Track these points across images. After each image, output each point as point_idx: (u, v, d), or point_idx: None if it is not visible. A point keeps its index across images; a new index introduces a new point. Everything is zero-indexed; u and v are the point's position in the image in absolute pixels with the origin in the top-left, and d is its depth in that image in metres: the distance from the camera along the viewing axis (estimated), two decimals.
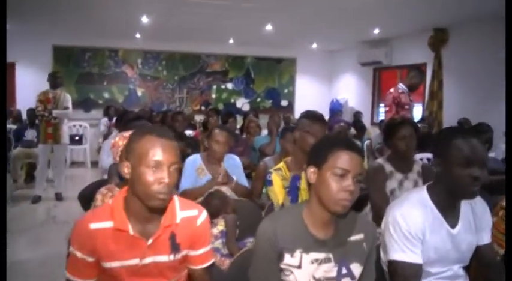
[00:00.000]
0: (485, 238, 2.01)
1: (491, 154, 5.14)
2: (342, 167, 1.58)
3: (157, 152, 1.53)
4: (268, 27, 8.20)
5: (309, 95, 11.60)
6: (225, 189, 3.37)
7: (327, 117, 10.25)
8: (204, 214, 1.77)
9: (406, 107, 5.08)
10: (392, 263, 1.86)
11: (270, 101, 11.60)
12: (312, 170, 1.67)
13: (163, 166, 1.53)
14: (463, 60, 7.40)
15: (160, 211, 1.64)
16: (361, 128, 7.93)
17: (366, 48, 9.86)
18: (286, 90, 11.71)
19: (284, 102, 11.72)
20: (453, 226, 1.92)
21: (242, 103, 11.36)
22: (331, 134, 2.23)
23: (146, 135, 1.56)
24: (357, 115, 9.33)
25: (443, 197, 1.90)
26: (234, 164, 3.65)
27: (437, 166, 1.91)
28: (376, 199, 2.95)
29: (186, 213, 1.72)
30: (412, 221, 1.85)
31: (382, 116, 9.87)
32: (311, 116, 2.87)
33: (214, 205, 2.93)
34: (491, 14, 6.52)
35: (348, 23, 7.86)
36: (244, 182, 3.65)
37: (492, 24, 6.71)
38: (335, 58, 11.73)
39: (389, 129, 3.10)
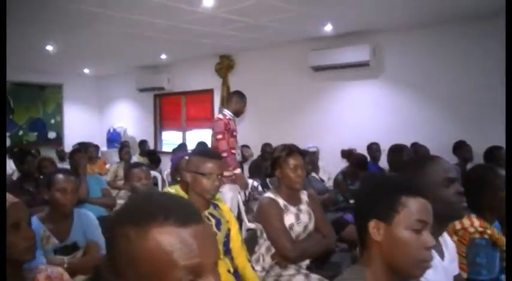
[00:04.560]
0: (456, 269, 1.94)
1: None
2: (421, 220, 1.26)
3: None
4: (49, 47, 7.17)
5: (79, 125, 10.55)
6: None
7: (104, 148, 9.49)
8: None
9: (234, 133, 4.93)
10: None
11: (35, 134, 10.11)
12: (375, 225, 1.30)
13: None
14: (249, 85, 7.71)
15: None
16: (157, 159, 7.52)
17: (144, 74, 9.48)
18: (53, 121, 10.40)
19: (52, 134, 10.37)
20: (442, 257, 1.81)
21: None
22: (392, 176, 1.84)
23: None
24: (143, 144, 8.79)
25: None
26: (88, 221, 2.80)
27: None
28: (279, 237, 2.65)
29: None
30: None
31: (166, 144, 9.63)
32: (204, 153, 2.47)
33: None
34: (271, 42, 7.02)
35: (131, 48, 7.43)
36: (104, 244, 2.81)
37: (272, 51, 7.27)
38: (108, 84, 10.96)
39: (276, 159, 2.84)
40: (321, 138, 6.60)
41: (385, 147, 5.87)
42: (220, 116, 4.90)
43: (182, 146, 8.17)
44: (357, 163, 5.30)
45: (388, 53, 6.31)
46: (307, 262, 2.74)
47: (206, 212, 2.44)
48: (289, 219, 2.74)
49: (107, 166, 8.02)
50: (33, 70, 9.46)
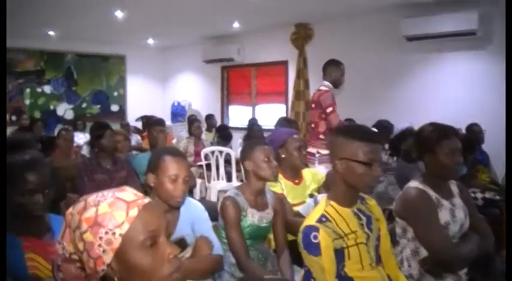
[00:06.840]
0: None
1: None
2: None
3: None
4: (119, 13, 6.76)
5: (143, 98, 10.20)
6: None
7: (168, 122, 9.12)
8: None
9: (333, 108, 4.46)
10: None
11: (98, 106, 9.84)
12: None
13: None
14: (330, 57, 7.03)
15: None
16: (228, 135, 7.08)
17: (212, 45, 8.92)
18: (116, 93, 10.10)
19: (114, 107, 10.08)
20: None
21: (64, 110, 9.38)
22: None
23: None
24: (210, 119, 8.31)
25: None
26: (196, 212, 2.22)
27: None
28: (436, 238, 2.10)
29: None
30: None
31: (232, 118, 9.19)
32: (362, 135, 1.80)
33: None
34: (356, 8, 6.37)
35: (200, 15, 6.91)
36: (215, 242, 2.17)
37: (357, 19, 6.66)
38: (172, 55, 10.45)
39: (426, 141, 2.27)
40: (414, 116, 5.88)
41: (488, 129, 5.20)
42: (323, 88, 4.45)
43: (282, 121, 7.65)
44: (464, 144, 4.64)
45: (499, 22, 5.51)
46: (465, 270, 2.19)
47: (355, 208, 1.90)
48: (443, 216, 2.18)
49: (173, 141, 7.66)
50: (96, 40, 9.16)
